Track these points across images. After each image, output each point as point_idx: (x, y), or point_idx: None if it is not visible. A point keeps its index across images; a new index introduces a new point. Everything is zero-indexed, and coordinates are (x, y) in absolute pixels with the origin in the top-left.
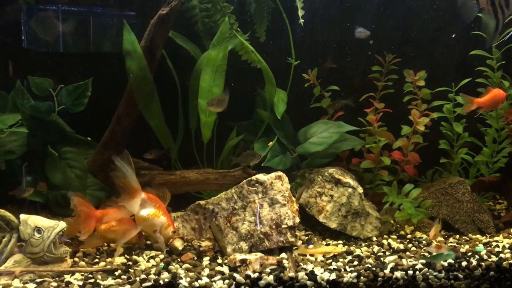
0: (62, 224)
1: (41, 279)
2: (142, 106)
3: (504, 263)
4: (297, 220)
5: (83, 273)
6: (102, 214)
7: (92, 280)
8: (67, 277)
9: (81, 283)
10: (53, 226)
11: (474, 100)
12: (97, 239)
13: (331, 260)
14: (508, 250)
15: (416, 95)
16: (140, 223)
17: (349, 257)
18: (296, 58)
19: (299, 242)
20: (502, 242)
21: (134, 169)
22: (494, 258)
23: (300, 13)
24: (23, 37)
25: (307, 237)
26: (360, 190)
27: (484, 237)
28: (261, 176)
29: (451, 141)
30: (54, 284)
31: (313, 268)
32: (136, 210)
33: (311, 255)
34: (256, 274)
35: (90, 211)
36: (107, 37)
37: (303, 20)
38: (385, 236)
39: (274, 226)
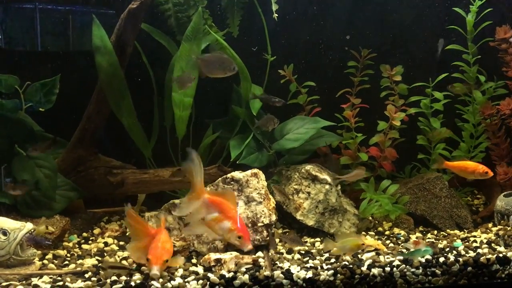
0: (29, 226)
1: (7, 283)
2: (113, 103)
3: (481, 258)
4: (274, 217)
5: (51, 276)
6: (156, 232)
7: (60, 283)
8: (35, 280)
9: (49, 286)
10: (19, 227)
11: None
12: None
13: (308, 258)
14: (486, 245)
15: (393, 90)
16: (208, 228)
17: (326, 255)
18: (272, 54)
19: (276, 240)
20: (480, 237)
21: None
22: (471, 254)
23: (274, 7)
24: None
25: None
26: (338, 186)
27: (462, 232)
28: (236, 174)
29: (428, 137)
30: (21, 287)
31: (289, 267)
32: (188, 212)
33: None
34: (231, 274)
35: (145, 230)
36: (85, 36)
37: (277, 15)
38: (363, 232)
39: (250, 225)
